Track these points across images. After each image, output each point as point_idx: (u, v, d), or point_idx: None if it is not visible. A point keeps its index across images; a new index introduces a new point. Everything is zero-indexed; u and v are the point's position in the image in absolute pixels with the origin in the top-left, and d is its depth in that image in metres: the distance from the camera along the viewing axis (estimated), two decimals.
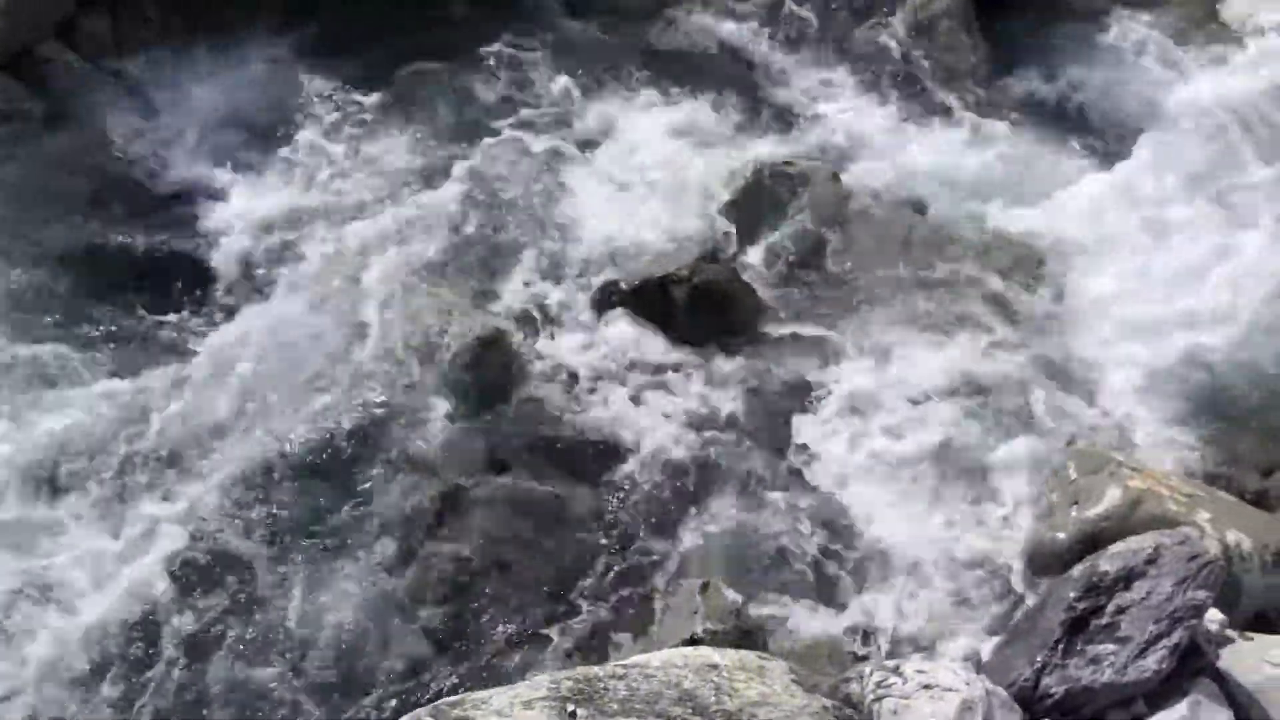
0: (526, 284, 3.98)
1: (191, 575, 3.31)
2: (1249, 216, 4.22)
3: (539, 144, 4.43)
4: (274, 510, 3.45)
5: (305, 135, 4.43)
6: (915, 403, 3.77)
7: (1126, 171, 4.41)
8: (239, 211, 4.20)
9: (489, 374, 3.67)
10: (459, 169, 4.32)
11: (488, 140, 4.46)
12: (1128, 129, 4.64)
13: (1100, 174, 4.42)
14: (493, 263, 4.04)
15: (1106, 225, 4.25)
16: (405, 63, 4.69)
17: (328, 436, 3.59)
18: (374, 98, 4.57)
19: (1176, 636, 2.63)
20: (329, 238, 4.11)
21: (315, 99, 4.57)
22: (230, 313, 3.94)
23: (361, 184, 4.30)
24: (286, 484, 3.50)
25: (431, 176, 4.32)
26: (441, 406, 3.64)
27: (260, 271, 4.05)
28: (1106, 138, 4.61)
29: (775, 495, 3.54)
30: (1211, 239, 4.17)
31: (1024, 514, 3.45)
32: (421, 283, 3.92)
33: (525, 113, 4.59)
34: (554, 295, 3.97)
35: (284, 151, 4.38)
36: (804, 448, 3.65)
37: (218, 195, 4.27)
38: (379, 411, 3.66)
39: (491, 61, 4.73)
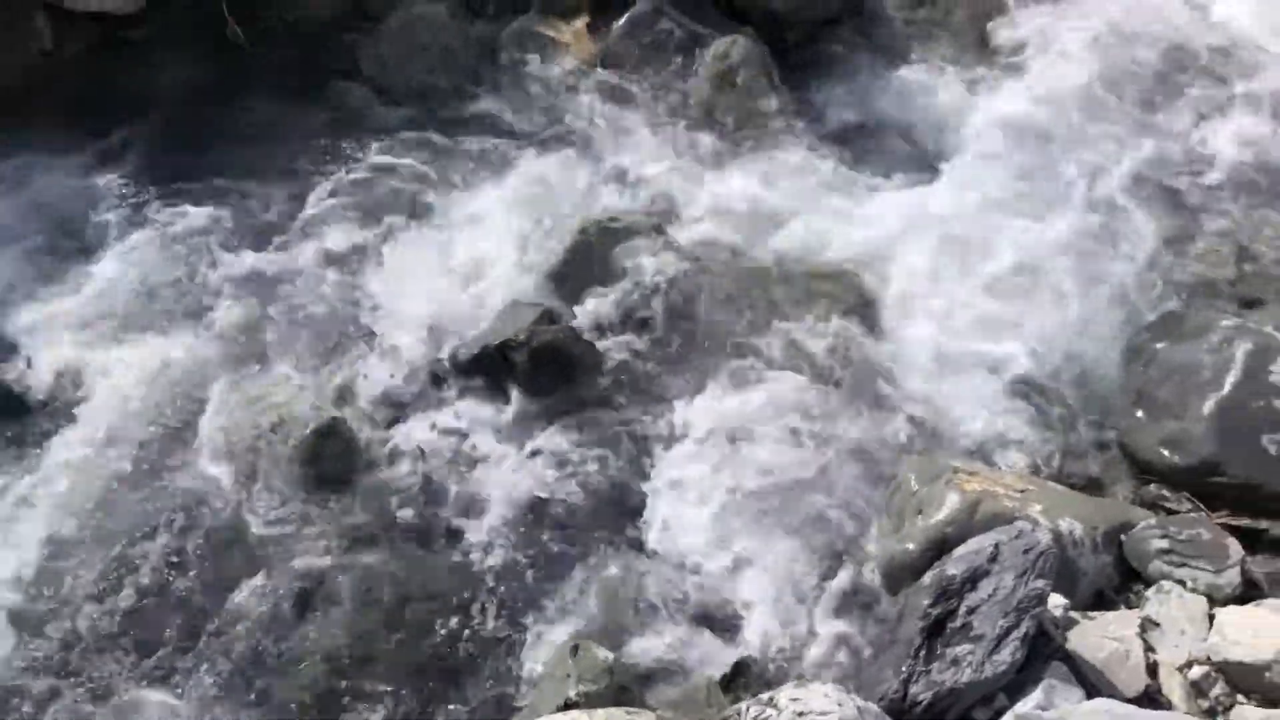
0: (360, 366, 3.90)
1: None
2: (1041, 228, 4.54)
3: (364, 224, 4.38)
4: (118, 634, 3.27)
5: (102, 244, 4.27)
6: (761, 438, 3.86)
7: (929, 195, 4.68)
8: (34, 329, 4.00)
9: (331, 465, 3.59)
10: (278, 260, 4.22)
11: (312, 225, 4.38)
12: (924, 155, 4.92)
13: (905, 199, 4.66)
14: (323, 350, 3.95)
15: (917, 247, 4.48)
16: (211, 155, 4.58)
17: (167, 552, 3.44)
18: (179, 197, 4.43)
19: (1025, 627, 2.76)
20: (139, 348, 3.95)
21: (113, 204, 4.41)
22: (43, 438, 3.73)
23: (169, 287, 4.15)
24: (126, 606, 3.33)
25: (251, 271, 4.20)
26: (285, 506, 3.53)
27: (68, 393, 3.85)
28: (907, 165, 4.86)
29: (635, 544, 3.56)
30: (1011, 252, 4.46)
31: (874, 531, 3.57)
32: (247, 381, 3.81)
33: (348, 196, 4.53)
34: (389, 374, 3.90)
35: (81, 265, 4.20)
36: (658, 493, 3.69)
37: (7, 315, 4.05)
38: (220, 520, 3.53)
39: (308, 149, 4.66)
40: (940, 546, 3.24)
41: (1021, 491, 3.49)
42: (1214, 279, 4.54)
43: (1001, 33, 5.79)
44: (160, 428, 3.76)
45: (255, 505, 3.57)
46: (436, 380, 3.91)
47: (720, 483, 3.70)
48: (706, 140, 4.85)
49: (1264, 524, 3.54)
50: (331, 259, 4.22)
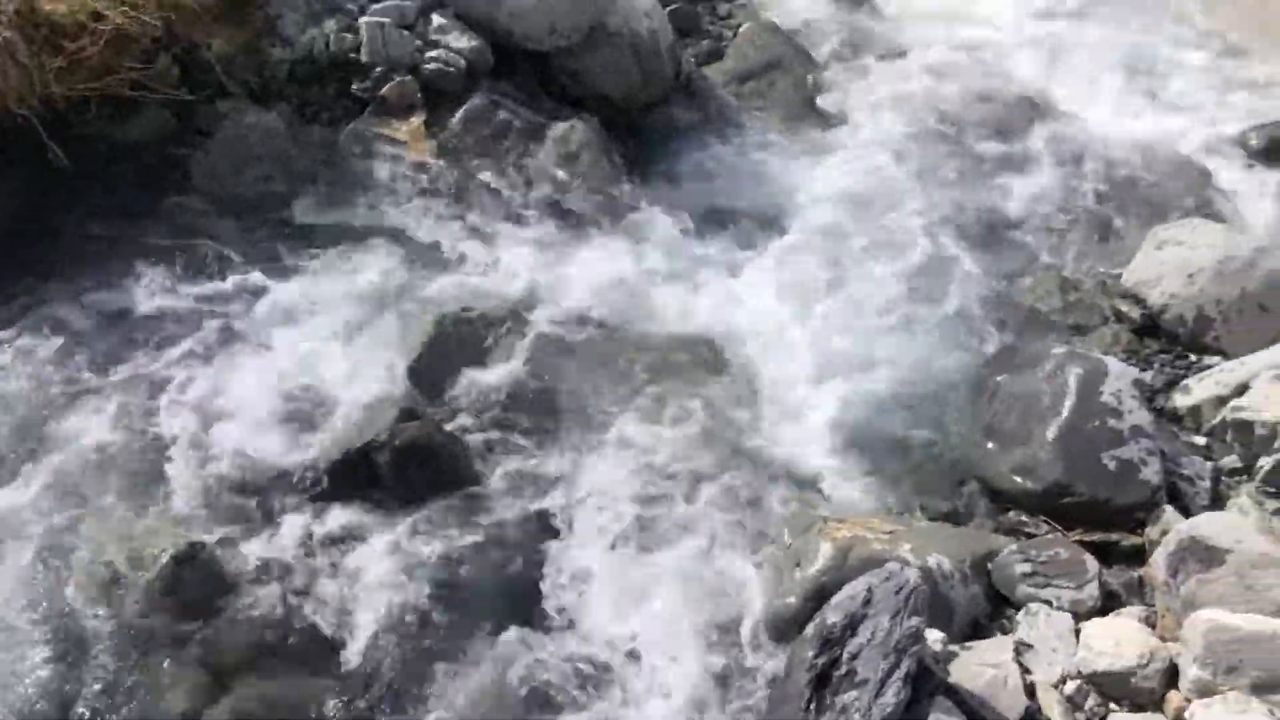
0: (214, 486, 3.75)
1: None
2: (880, 280, 4.77)
3: (207, 339, 4.24)
4: None
5: None
6: (635, 510, 3.87)
7: (771, 257, 4.87)
8: None
9: (193, 592, 3.41)
10: (119, 385, 4.03)
11: (152, 346, 4.21)
12: (763, 220, 5.14)
13: (750, 263, 4.84)
14: (173, 474, 3.78)
15: (765, 308, 4.64)
16: (37, 284, 4.38)
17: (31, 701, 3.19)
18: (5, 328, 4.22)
19: (905, 666, 2.82)
20: None
21: None
22: None
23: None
24: None
25: (85, 400, 4.00)
26: (150, 642, 3.33)
27: None
28: (748, 231, 5.07)
29: (521, 636, 3.50)
30: (855, 305, 4.66)
31: (757, 589, 3.61)
32: (92, 519, 3.60)
33: (188, 311, 4.38)
34: (249, 489, 3.76)
35: None
36: (538, 580, 3.64)
37: None
38: (83, 665, 3.30)
39: (143, 268, 4.49)
40: (819, 596, 3.29)
41: (890, 533, 3.59)
42: (1043, 310, 4.85)
43: (826, 99, 6.14)
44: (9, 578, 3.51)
45: (117, 646, 3.35)
46: (299, 492, 3.78)
47: (601, 561, 3.68)
48: (554, 222, 4.92)
49: (1115, 536, 3.73)
50: (175, 378, 4.06)
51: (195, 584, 3.45)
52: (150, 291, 4.36)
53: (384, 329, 4.40)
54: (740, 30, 6.50)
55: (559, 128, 5.22)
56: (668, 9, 6.30)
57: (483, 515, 3.83)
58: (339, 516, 3.73)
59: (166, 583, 3.41)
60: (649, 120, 5.74)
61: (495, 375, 4.24)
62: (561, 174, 5.11)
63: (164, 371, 4.09)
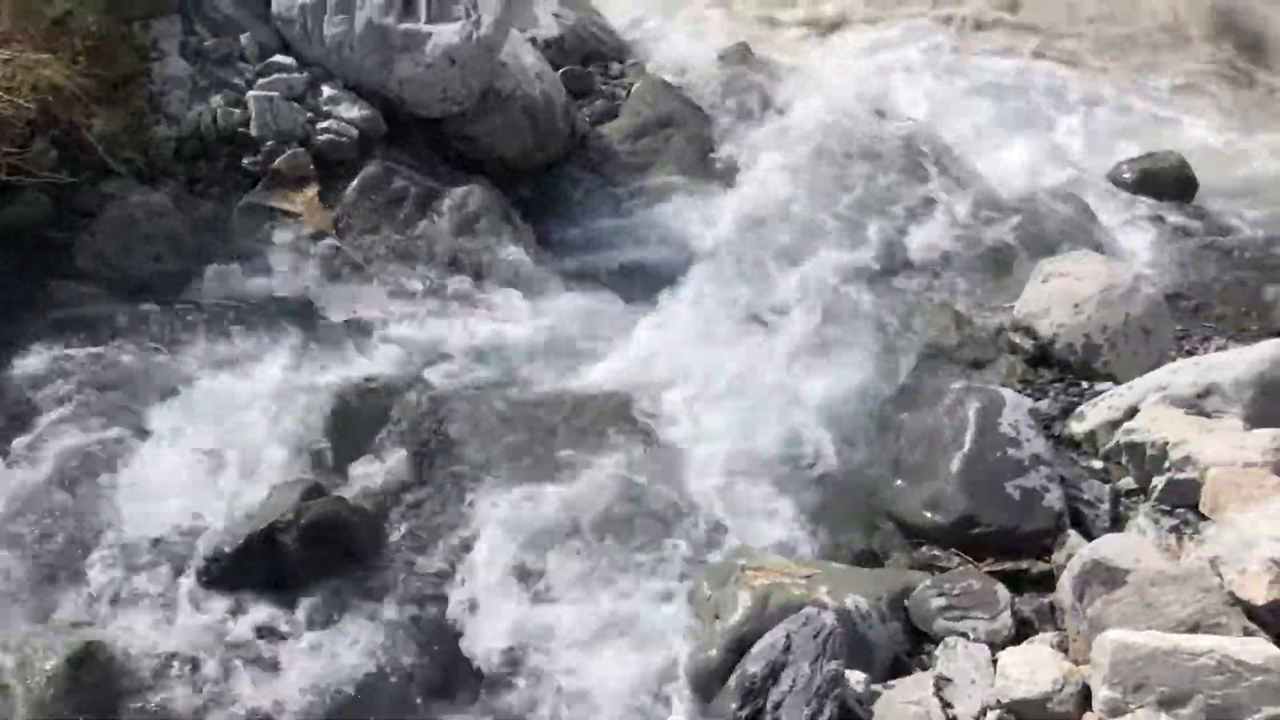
0: (112, 578, 3.59)
1: None
2: (782, 327, 4.87)
3: (97, 429, 4.07)
4: None
5: None
6: (557, 571, 3.82)
7: (674, 310, 4.92)
8: None
9: (90, 695, 3.24)
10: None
11: (36, 440, 4.03)
12: (664, 274, 5.19)
13: (653, 318, 4.89)
14: (63, 566, 3.61)
15: (673, 359, 4.68)
16: None
17: None
18: None
19: (828, 710, 2.83)
20: None
21: None
22: None
23: None
24: None
25: None
26: None
27: None
28: (649, 286, 5.11)
29: (447, 704, 3.41)
30: (758, 352, 4.73)
31: (678, 644, 3.58)
32: None
33: (76, 400, 4.20)
34: (149, 580, 3.61)
35: None
36: (460, 656, 3.56)
37: None
38: None
39: (24, 359, 4.31)
40: (741, 647, 3.28)
41: (807, 577, 3.60)
42: (942, 346, 4.97)
43: (721, 151, 6.27)
44: None
45: None
46: (202, 579, 3.64)
47: (516, 622, 3.61)
48: (454, 287, 4.90)
49: (1024, 564, 3.81)
50: (63, 472, 3.89)
51: (93, 686, 3.28)
52: (32, 383, 4.19)
53: (285, 405, 4.29)
54: (633, 88, 6.61)
55: (456, 193, 5.22)
56: (560, 71, 6.41)
57: (395, 589, 3.73)
58: (246, 603, 3.59)
59: (61, 688, 3.24)
60: (547, 181, 5.79)
61: (401, 444, 4.16)
62: (461, 238, 5.10)
63: (52, 459, 3.92)
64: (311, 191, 5.03)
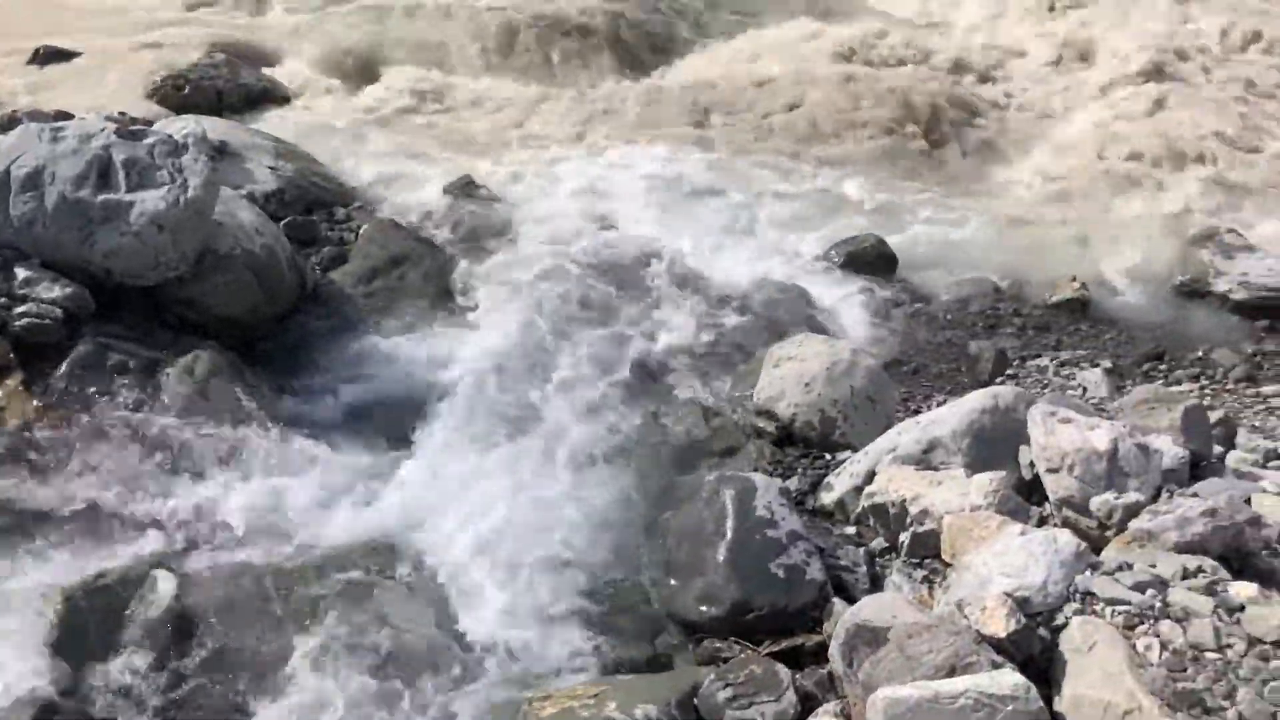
0: None
1: None
2: (536, 446, 4.90)
3: None
4: None
5: None
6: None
7: (427, 448, 4.85)
8: None
9: None
10: None
11: None
12: (415, 412, 5.11)
13: (406, 458, 4.80)
14: None
15: (432, 498, 4.59)
16: None
17: None
18: None
19: None
20: None
21: None
22: None
23: None
24: None
25: None
26: None
27: None
28: (401, 427, 5.02)
29: None
30: (520, 474, 4.73)
31: None
32: None
33: None
34: None
35: None
36: None
37: None
38: None
39: None
40: None
41: (594, 696, 3.58)
42: (694, 441, 5.15)
43: (457, 284, 6.31)
44: None
45: None
46: None
47: None
48: (190, 458, 4.62)
49: (799, 640, 3.94)
50: None
51: None
52: None
53: (5, 618, 3.86)
54: (361, 231, 6.59)
55: (182, 360, 4.97)
56: (282, 223, 6.30)
57: None
58: None
59: None
60: (282, 334, 5.62)
61: (146, 641, 3.83)
62: (192, 406, 4.83)
63: None
64: (14, 381, 4.64)
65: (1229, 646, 3.16)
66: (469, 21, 9.98)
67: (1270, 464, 4.58)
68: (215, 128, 6.96)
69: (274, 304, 5.60)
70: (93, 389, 4.76)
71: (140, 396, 4.80)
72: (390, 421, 5.05)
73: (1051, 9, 11.53)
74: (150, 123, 6.81)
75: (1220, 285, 6.85)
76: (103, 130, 5.27)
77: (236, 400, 4.92)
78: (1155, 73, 9.96)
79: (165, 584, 4.06)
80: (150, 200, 5.06)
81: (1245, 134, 8.94)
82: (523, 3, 10.33)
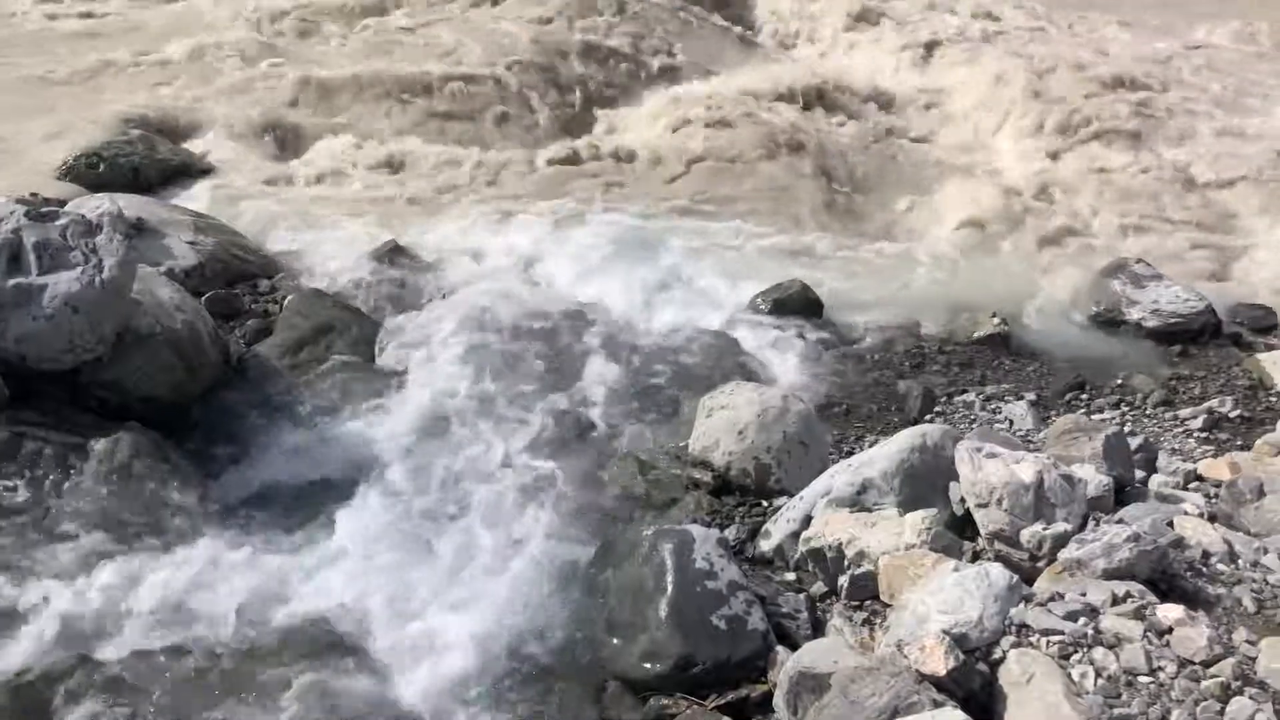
0: None
1: None
2: (470, 513, 4.85)
3: None
4: None
5: None
6: None
7: (361, 521, 4.76)
8: None
9: None
10: None
11: None
12: (347, 485, 5.01)
13: (340, 532, 4.69)
14: None
15: (367, 574, 4.49)
16: None
17: None
18: None
19: None
20: None
21: None
22: None
23: None
24: None
25: None
26: None
27: None
28: (331, 501, 4.91)
29: None
30: (458, 547, 4.67)
31: None
32: None
33: None
34: None
35: None
36: None
37: None
38: None
39: None
40: None
41: None
42: (631, 495, 5.14)
43: (385, 351, 6.25)
44: None
45: None
46: None
47: None
48: (114, 546, 4.47)
49: (744, 691, 3.92)
50: None
51: None
52: None
53: None
54: (285, 302, 6.52)
55: (102, 444, 4.83)
56: (203, 297, 6.21)
57: None
58: None
59: None
60: (205, 411, 5.50)
61: None
62: (114, 491, 4.70)
63: None
64: None
65: (1160, 669, 3.23)
66: (390, 89, 10.02)
67: (1190, 486, 4.72)
68: (132, 204, 6.86)
69: (197, 381, 5.49)
70: (7, 478, 4.61)
71: (59, 483, 4.66)
72: (317, 498, 4.94)
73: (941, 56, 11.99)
74: (64, 202, 6.68)
75: (1133, 314, 7.09)
76: (12, 213, 5.16)
77: (159, 483, 4.79)
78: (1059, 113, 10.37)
79: (85, 676, 3.91)
80: (64, 282, 4.95)
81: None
82: (444, 68, 10.42)
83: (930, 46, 12.25)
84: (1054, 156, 9.63)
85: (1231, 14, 14.41)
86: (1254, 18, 14.30)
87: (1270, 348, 6.94)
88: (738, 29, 13.31)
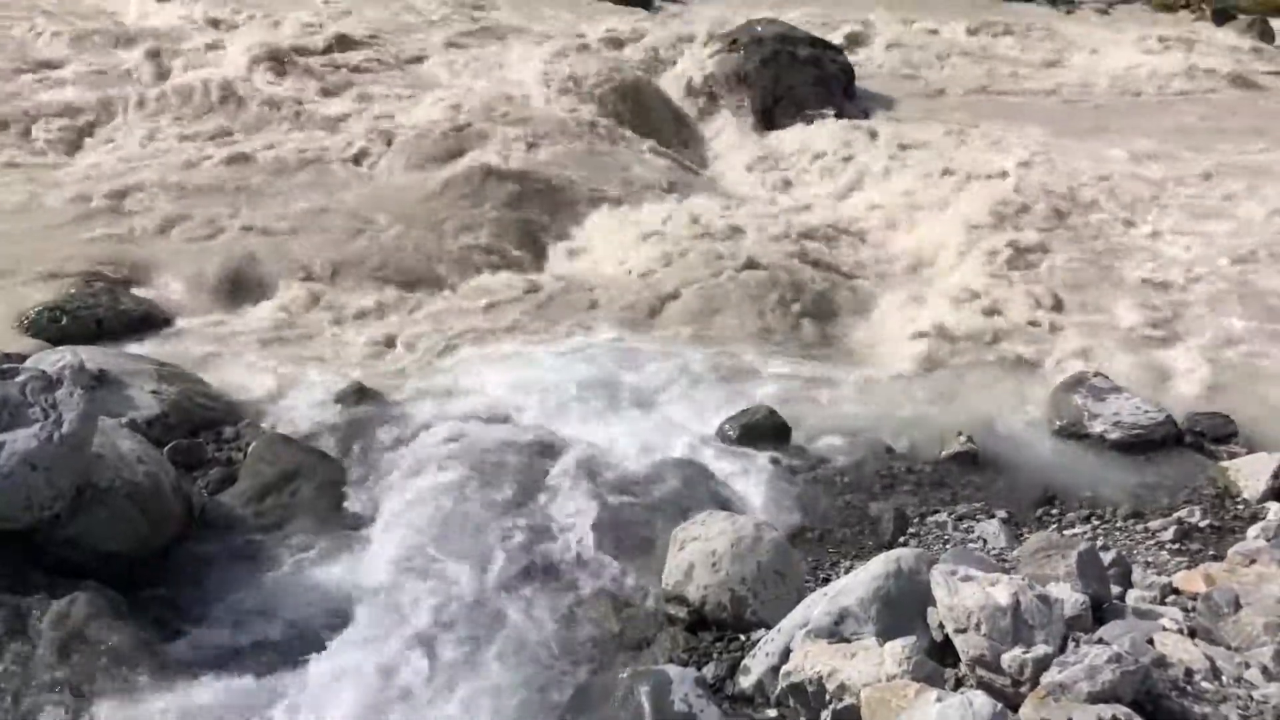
0: None
1: None
2: (444, 662, 4.72)
3: None
4: None
5: None
6: None
7: (329, 671, 4.61)
8: None
9: None
10: None
11: None
12: (309, 635, 4.87)
13: (309, 682, 4.55)
14: None
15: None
16: None
17: None
18: None
19: None
20: None
21: None
22: None
23: None
24: None
25: None
26: None
27: None
28: (295, 651, 4.77)
29: None
30: (437, 689, 4.54)
31: None
32: None
33: None
34: None
35: None
36: None
37: None
38: None
39: None
40: None
41: None
42: (605, 636, 5.03)
43: (354, 496, 6.17)
44: None
45: None
46: None
47: None
48: (65, 713, 4.29)
49: None
50: None
51: None
52: None
53: None
54: (250, 449, 6.44)
55: (57, 605, 4.68)
56: (165, 447, 6.14)
57: None
58: None
59: None
60: (169, 564, 5.37)
61: None
62: (69, 654, 4.53)
63: None
64: None
65: None
66: (345, 230, 10.14)
67: (1167, 600, 4.71)
68: (94, 356, 6.83)
69: (159, 534, 5.37)
70: None
71: (8, 648, 4.49)
72: (284, 654, 4.77)
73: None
74: (24, 357, 6.65)
75: (1096, 427, 7.17)
76: None
77: (116, 645, 4.62)
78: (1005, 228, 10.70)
79: None
80: (21, 439, 4.88)
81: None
82: (403, 209, 10.57)
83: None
84: (1009, 271, 9.88)
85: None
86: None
87: (1233, 455, 7.04)
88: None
